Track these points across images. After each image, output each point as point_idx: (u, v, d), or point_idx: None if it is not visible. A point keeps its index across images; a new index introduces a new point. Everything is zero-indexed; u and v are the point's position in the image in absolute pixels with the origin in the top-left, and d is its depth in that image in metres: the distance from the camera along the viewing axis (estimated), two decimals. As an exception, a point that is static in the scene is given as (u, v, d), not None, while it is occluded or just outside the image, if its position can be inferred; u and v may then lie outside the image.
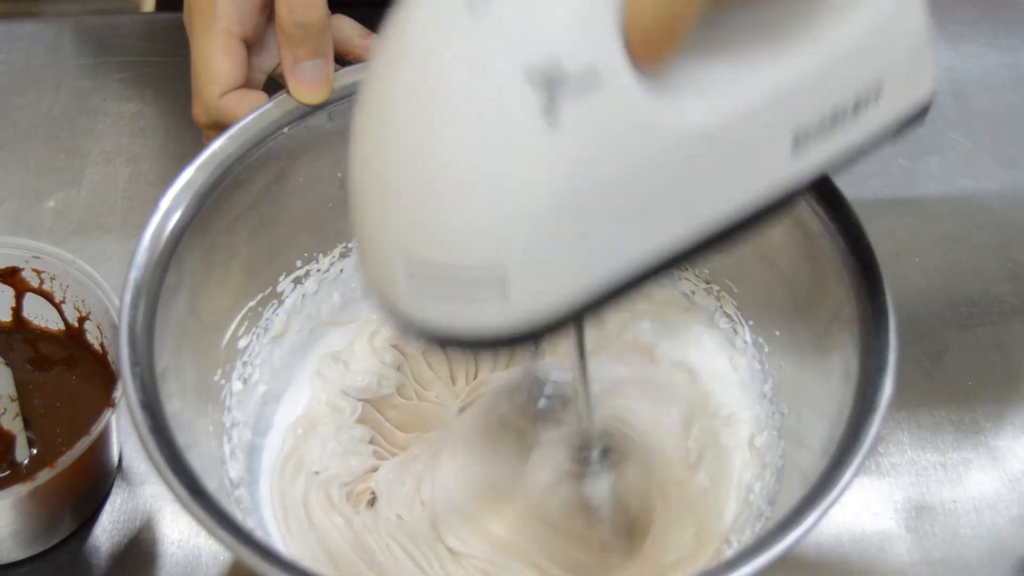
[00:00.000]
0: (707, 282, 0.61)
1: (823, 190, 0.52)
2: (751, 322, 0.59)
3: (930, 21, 0.42)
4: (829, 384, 0.51)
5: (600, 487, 0.55)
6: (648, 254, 0.39)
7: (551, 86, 0.35)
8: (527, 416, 0.57)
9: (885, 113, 0.43)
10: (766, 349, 0.58)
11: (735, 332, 0.60)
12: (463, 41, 0.35)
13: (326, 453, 0.58)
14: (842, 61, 0.40)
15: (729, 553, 0.54)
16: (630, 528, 0.56)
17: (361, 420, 0.59)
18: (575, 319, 0.39)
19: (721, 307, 0.61)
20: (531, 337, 0.39)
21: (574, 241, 0.37)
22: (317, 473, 0.57)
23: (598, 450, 0.55)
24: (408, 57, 0.36)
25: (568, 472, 0.55)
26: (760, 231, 0.42)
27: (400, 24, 0.37)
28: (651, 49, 0.35)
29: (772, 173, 0.41)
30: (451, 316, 0.39)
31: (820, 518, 0.44)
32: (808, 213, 0.52)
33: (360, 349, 0.62)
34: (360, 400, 0.60)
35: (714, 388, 0.60)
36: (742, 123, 0.39)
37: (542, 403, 0.57)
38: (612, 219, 0.38)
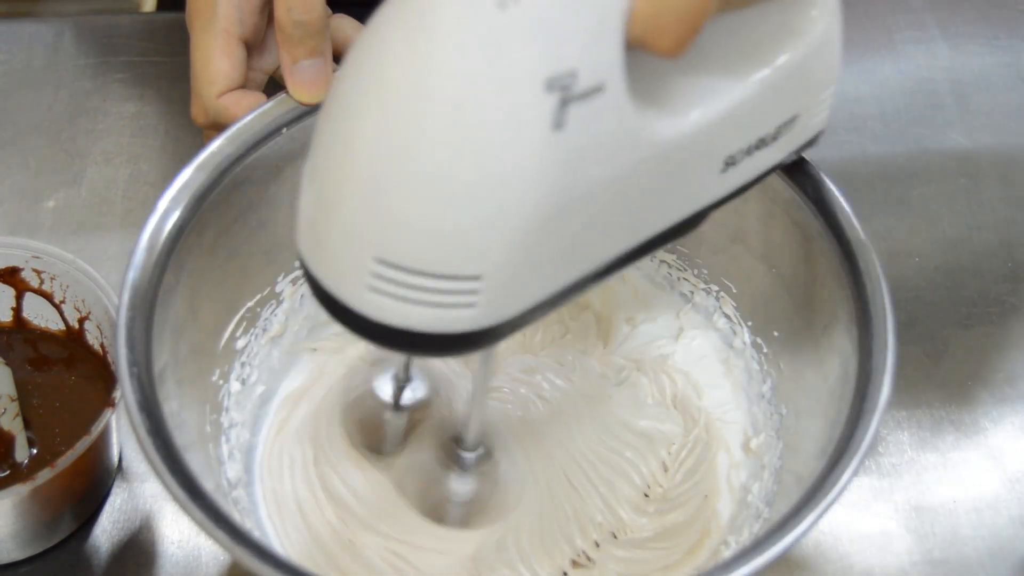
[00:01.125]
0: (706, 283, 0.61)
1: (821, 191, 0.52)
2: (750, 323, 0.59)
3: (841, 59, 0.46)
4: (828, 385, 0.51)
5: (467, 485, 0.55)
6: (603, 257, 0.41)
7: (566, 93, 0.34)
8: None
9: (793, 140, 0.46)
10: (765, 350, 0.58)
11: (734, 333, 0.60)
12: (486, 34, 0.34)
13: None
14: (780, 85, 0.43)
15: (727, 554, 0.54)
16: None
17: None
18: (529, 320, 0.40)
19: (720, 308, 0.61)
20: (488, 338, 0.39)
21: (549, 249, 0.38)
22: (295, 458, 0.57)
23: (475, 452, 0.54)
24: (419, 37, 0.34)
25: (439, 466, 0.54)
26: (680, 238, 0.44)
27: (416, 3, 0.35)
28: (676, 35, 0.35)
29: (706, 187, 0.43)
30: (409, 317, 0.38)
31: (818, 519, 0.44)
32: (806, 214, 0.52)
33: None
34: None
35: (690, 395, 0.60)
36: (702, 138, 0.41)
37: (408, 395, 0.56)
38: (584, 226, 0.38)
